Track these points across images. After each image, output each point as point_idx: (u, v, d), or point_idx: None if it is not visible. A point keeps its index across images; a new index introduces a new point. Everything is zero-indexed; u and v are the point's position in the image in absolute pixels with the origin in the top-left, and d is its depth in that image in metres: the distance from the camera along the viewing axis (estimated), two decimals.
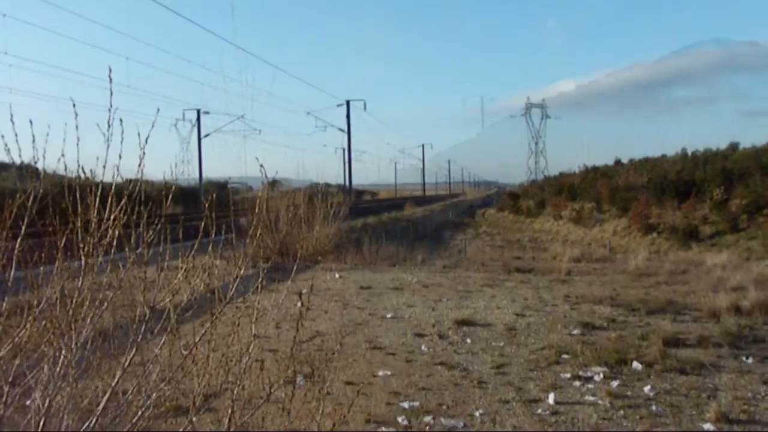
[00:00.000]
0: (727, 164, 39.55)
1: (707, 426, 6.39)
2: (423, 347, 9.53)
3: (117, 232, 3.62)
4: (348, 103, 48.83)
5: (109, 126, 3.64)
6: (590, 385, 7.73)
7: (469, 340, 9.88)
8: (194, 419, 3.69)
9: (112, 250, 3.69)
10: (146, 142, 3.78)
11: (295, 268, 4.83)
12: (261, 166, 4.16)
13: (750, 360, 8.65)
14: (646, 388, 7.52)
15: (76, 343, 3.45)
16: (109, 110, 3.65)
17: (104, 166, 3.64)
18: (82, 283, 3.55)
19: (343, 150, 52.44)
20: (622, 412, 6.85)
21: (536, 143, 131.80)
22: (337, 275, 17.14)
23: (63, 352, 3.41)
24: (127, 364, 3.54)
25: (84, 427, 3.42)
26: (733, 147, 44.63)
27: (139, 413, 3.59)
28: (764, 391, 7.45)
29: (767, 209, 31.43)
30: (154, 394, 3.65)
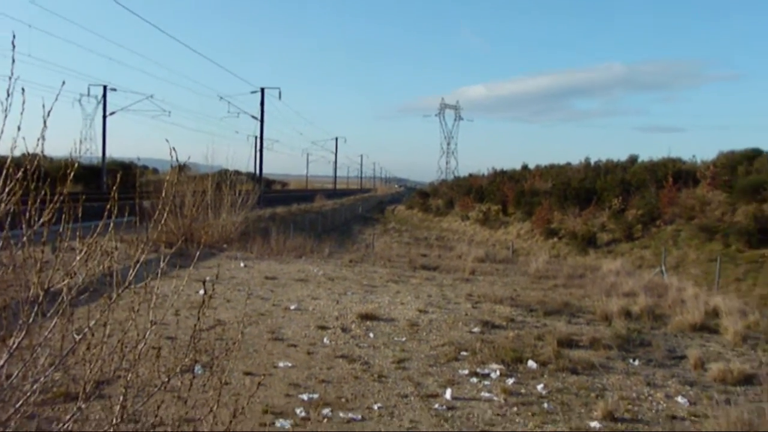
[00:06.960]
0: (626, 176, 41.29)
1: (594, 424, 6.70)
2: (325, 340, 9.54)
3: (11, 208, 3.43)
4: (263, 90, 47.95)
5: (8, 95, 3.44)
6: (486, 382, 7.95)
7: (371, 335, 9.96)
8: (83, 406, 3.55)
9: (6, 227, 3.50)
10: (48, 115, 3.58)
11: (198, 254, 4.72)
12: (173, 149, 4.03)
13: (636, 362, 9.12)
14: (540, 386, 7.81)
15: None
16: (10, 78, 3.45)
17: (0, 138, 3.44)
18: None
19: (255, 138, 51.41)
20: (515, 408, 7.09)
21: (448, 144, 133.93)
22: (242, 264, 16.91)
23: None
24: (14, 346, 3.37)
25: None
26: (632, 159, 46.53)
27: (24, 398, 3.43)
28: (647, 392, 7.88)
29: (660, 221, 33.06)
30: (42, 379, 3.50)
